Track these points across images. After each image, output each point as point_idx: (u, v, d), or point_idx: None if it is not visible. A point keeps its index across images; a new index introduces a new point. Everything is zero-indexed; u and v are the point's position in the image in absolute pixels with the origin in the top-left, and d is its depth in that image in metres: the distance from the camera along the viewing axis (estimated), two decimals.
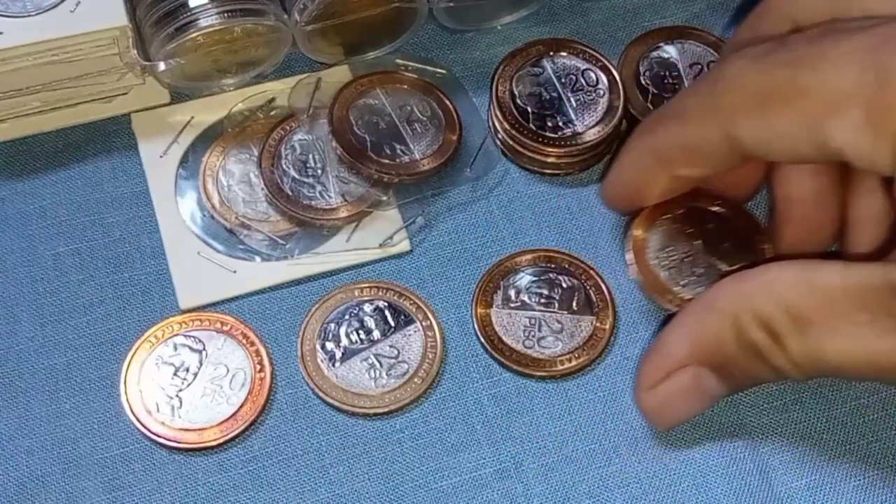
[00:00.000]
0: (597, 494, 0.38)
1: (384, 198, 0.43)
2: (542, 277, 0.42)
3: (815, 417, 0.40)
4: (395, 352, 0.40)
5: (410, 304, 0.41)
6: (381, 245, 0.42)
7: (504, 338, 0.40)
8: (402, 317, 0.41)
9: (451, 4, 0.45)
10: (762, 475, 0.39)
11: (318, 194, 0.43)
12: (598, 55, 0.45)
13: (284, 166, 0.43)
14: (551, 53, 0.45)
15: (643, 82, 0.46)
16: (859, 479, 0.39)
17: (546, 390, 0.40)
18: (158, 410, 0.38)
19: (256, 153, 0.43)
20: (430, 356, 0.40)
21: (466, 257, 0.42)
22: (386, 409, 0.39)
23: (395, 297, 0.41)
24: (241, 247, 0.42)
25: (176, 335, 0.40)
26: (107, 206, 0.43)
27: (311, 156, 0.43)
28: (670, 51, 0.46)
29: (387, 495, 0.38)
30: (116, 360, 0.40)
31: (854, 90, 0.31)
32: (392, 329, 0.40)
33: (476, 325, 0.41)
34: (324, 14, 0.43)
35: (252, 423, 0.39)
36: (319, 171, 0.43)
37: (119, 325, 0.40)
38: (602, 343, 0.40)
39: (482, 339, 0.40)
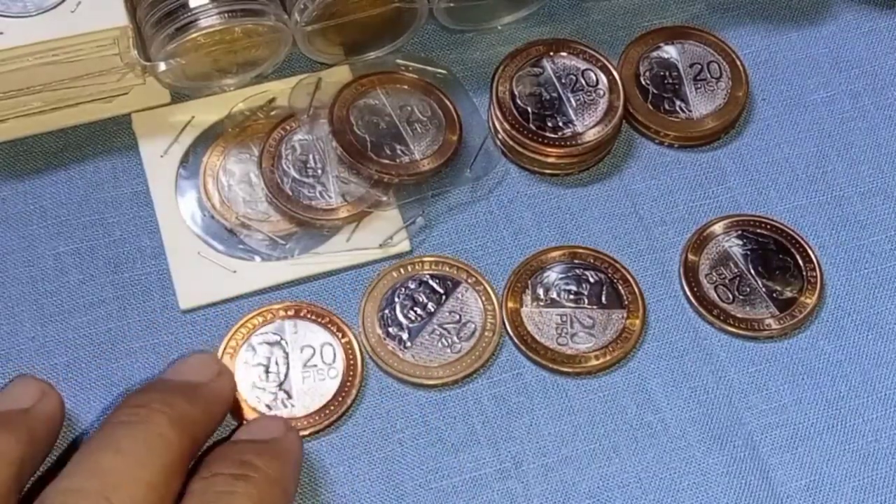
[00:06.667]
0: (597, 494, 0.38)
1: (384, 198, 0.43)
2: (569, 274, 0.42)
3: (815, 417, 0.40)
4: (457, 316, 0.40)
5: (449, 268, 0.41)
6: (381, 245, 0.42)
7: (538, 337, 0.40)
8: (448, 282, 0.41)
9: (452, 4, 0.45)
10: (762, 475, 0.39)
11: (318, 194, 0.43)
12: (598, 55, 0.45)
13: (285, 166, 0.43)
14: (551, 53, 0.45)
15: (643, 82, 0.46)
16: (859, 479, 0.39)
17: (546, 389, 0.40)
18: (271, 410, 0.38)
19: (257, 153, 0.43)
20: (489, 308, 0.41)
21: (466, 257, 0.42)
22: (471, 370, 0.40)
23: (435, 268, 0.41)
24: (241, 247, 0.42)
25: (248, 338, 0.40)
26: (107, 206, 0.43)
27: (311, 156, 0.43)
28: (670, 51, 0.46)
29: (387, 495, 0.38)
30: (116, 360, 0.40)
31: None
32: (444, 296, 0.41)
33: (508, 326, 0.41)
34: (324, 14, 0.43)
35: (360, 391, 0.39)
36: (319, 172, 0.43)
37: (119, 324, 0.40)
38: (634, 337, 0.41)
39: (515, 340, 0.40)
